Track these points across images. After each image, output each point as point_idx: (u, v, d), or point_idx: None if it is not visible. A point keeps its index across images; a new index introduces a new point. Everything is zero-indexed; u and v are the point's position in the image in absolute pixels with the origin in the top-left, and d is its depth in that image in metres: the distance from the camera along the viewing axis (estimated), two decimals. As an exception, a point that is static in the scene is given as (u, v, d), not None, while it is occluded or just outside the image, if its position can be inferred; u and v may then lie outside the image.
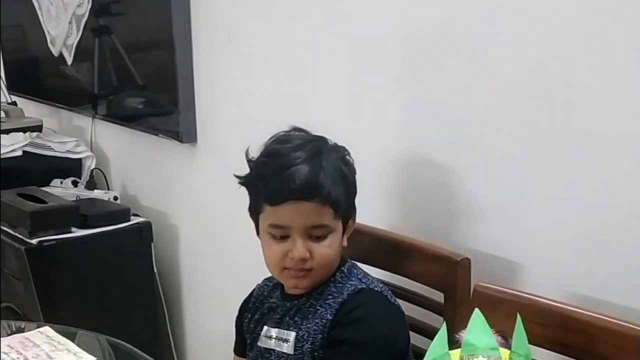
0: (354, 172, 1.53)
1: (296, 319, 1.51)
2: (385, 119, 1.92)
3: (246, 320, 1.64)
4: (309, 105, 2.13)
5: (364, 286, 1.50)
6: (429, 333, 1.69)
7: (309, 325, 1.48)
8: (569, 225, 1.57)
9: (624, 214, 1.48)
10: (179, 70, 2.51)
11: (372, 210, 1.92)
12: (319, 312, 1.48)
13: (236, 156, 2.43)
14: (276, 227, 1.45)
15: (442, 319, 1.65)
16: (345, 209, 1.48)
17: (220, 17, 2.39)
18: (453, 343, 1.17)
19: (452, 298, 1.62)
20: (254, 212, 1.52)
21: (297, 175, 1.41)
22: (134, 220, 2.68)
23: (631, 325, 1.30)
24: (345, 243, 1.53)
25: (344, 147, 1.54)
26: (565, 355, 1.39)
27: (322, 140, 1.52)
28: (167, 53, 2.55)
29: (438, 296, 1.67)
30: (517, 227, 1.66)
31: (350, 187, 1.50)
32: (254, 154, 1.54)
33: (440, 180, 1.80)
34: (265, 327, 1.56)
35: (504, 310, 1.45)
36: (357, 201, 1.89)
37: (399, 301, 1.74)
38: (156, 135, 2.70)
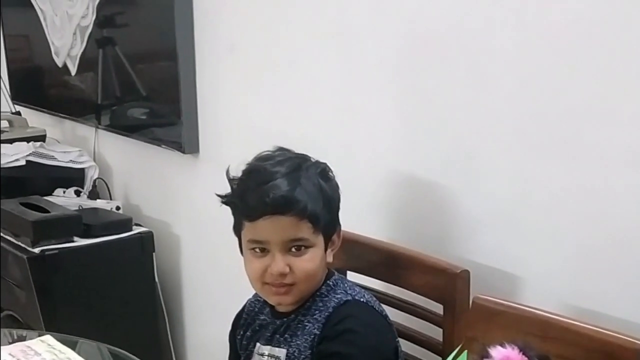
0: (336, 188, 1.54)
1: (286, 336, 1.51)
2: (384, 131, 1.93)
3: (239, 337, 1.65)
4: (309, 117, 2.15)
5: (350, 298, 1.50)
6: (428, 345, 1.70)
7: (298, 342, 1.48)
8: (568, 238, 1.57)
9: (622, 226, 1.48)
10: (181, 82, 2.52)
11: (371, 222, 1.93)
12: (307, 327, 1.49)
13: (238, 167, 2.44)
14: (255, 243, 1.47)
15: (441, 330, 1.66)
16: (325, 223, 1.48)
17: (223, 29, 2.40)
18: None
19: (451, 310, 1.62)
20: (237, 230, 1.54)
21: (272, 190, 1.43)
22: (136, 230, 2.69)
23: (629, 339, 1.30)
24: (330, 259, 1.54)
25: (325, 164, 1.55)
26: (563, 367, 1.40)
27: (302, 157, 1.53)
28: (170, 64, 2.56)
29: (437, 308, 1.67)
30: (516, 239, 1.67)
31: (330, 202, 1.50)
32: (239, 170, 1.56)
33: (439, 192, 1.81)
34: (258, 345, 1.57)
35: (502, 323, 1.46)
36: (355, 213, 1.89)
37: (398, 312, 1.75)
38: (159, 145, 2.71)
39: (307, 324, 1.49)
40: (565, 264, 1.58)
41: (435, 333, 1.68)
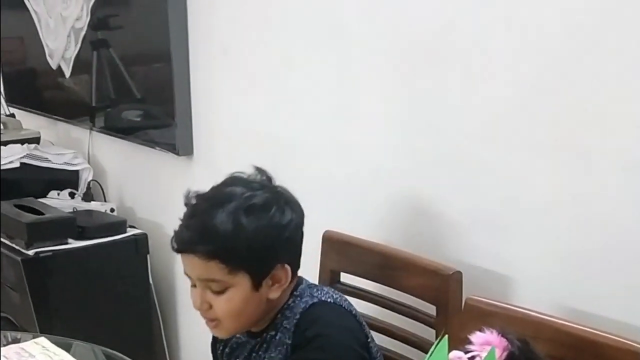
0: (273, 224, 1.41)
1: (260, 353, 1.50)
2: (377, 133, 1.94)
3: (219, 351, 1.63)
4: (303, 118, 2.15)
5: (316, 300, 1.46)
6: (420, 345, 1.71)
7: (272, 355, 1.47)
8: (560, 239, 1.58)
9: (614, 227, 1.49)
10: (175, 84, 2.53)
11: (364, 224, 1.94)
12: (279, 339, 1.47)
13: (232, 169, 2.44)
14: (185, 274, 1.45)
15: (434, 331, 1.66)
16: (244, 262, 1.39)
17: (217, 31, 2.40)
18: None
19: (444, 311, 1.63)
20: None
21: (181, 229, 1.42)
22: (130, 232, 2.69)
23: (621, 339, 1.31)
24: (275, 295, 1.44)
25: (272, 201, 1.43)
26: (555, 368, 1.41)
27: (232, 192, 1.43)
28: (164, 66, 2.56)
29: (430, 309, 1.68)
30: (508, 241, 1.67)
31: (255, 241, 1.39)
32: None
33: (432, 193, 1.82)
34: None
35: (495, 323, 1.46)
36: (348, 214, 1.90)
37: (391, 314, 1.76)
38: (153, 147, 2.72)
39: (278, 334, 1.47)
40: (557, 265, 1.59)
41: (428, 334, 1.69)
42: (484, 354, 1.06)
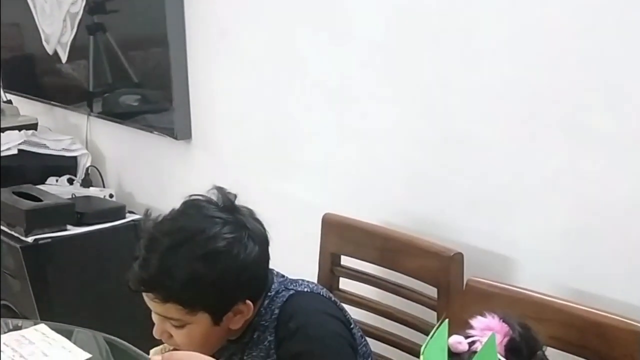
0: (231, 266, 1.35)
1: (240, 355, 1.48)
2: (378, 115, 1.92)
3: None
4: (303, 101, 2.14)
5: (292, 291, 1.44)
6: (421, 327, 1.70)
7: (253, 355, 1.45)
8: (561, 220, 1.57)
9: (616, 208, 1.48)
10: (173, 68, 2.51)
11: (364, 205, 1.93)
12: (257, 337, 1.45)
13: (230, 152, 2.44)
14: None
15: (435, 313, 1.66)
16: (203, 304, 1.35)
17: (214, 14, 2.39)
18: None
19: (445, 293, 1.63)
20: None
21: (137, 269, 1.36)
22: (130, 217, 2.68)
23: (623, 319, 1.30)
24: (237, 325, 1.41)
25: (235, 241, 1.36)
26: (557, 349, 1.40)
27: (194, 230, 1.36)
28: (161, 50, 2.55)
29: (431, 291, 1.67)
30: (509, 222, 1.67)
31: (214, 285, 1.34)
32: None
33: (432, 175, 1.81)
34: None
35: (496, 305, 1.45)
36: (349, 196, 1.90)
37: (392, 296, 1.75)
38: (151, 132, 2.71)
39: (257, 333, 1.45)
40: (558, 246, 1.59)
41: (429, 316, 1.68)
42: (484, 339, 1.05)
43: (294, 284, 1.47)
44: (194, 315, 1.36)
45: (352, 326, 1.48)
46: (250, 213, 1.43)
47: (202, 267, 1.33)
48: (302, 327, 1.39)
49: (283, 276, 1.49)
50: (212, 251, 1.34)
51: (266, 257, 1.42)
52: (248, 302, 1.40)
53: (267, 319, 1.43)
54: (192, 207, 1.41)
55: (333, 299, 1.51)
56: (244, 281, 1.38)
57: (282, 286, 1.45)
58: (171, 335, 1.40)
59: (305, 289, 1.46)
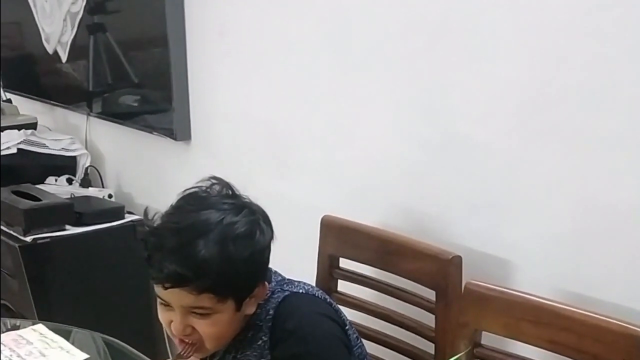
0: (255, 246, 1.38)
1: (233, 353, 1.48)
2: (378, 117, 1.92)
3: None
4: (302, 102, 2.14)
5: (287, 293, 1.45)
6: (419, 331, 1.70)
7: (246, 353, 1.45)
8: (560, 223, 1.57)
9: (617, 212, 1.48)
10: (173, 68, 2.51)
11: (364, 208, 1.93)
12: (252, 336, 1.45)
13: (230, 153, 2.44)
14: (160, 298, 1.41)
15: (433, 316, 1.66)
16: (234, 290, 1.37)
17: (214, 14, 2.39)
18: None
19: (443, 296, 1.62)
20: None
21: (165, 265, 1.34)
22: (128, 217, 2.68)
23: (621, 323, 1.30)
24: (252, 310, 1.42)
25: (253, 225, 1.38)
26: (555, 352, 1.40)
27: (205, 220, 1.36)
28: (161, 50, 2.55)
29: (429, 294, 1.67)
30: (508, 225, 1.67)
31: (240, 268, 1.36)
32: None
33: (431, 178, 1.81)
34: None
35: (495, 308, 1.46)
36: (347, 199, 1.89)
37: (390, 299, 1.75)
38: (150, 132, 2.71)
39: (251, 332, 1.45)
40: (557, 249, 1.58)
41: (428, 319, 1.68)
42: None
43: (290, 285, 1.47)
44: (224, 303, 1.37)
45: (347, 327, 1.49)
46: (255, 203, 1.44)
47: (232, 253, 1.34)
48: (297, 328, 1.39)
49: (280, 275, 1.50)
50: (237, 236, 1.36)
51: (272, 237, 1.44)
52: (265, 283, 1.43)
53: (262, 318, 1.43)
54: (195, 198, 1.42)
55: (328, 300, 1.51)
56: (266, 261, 1.42)
57: (278, 287, 1.46)
58: (193, 330, 1.39)
59: (301, 290, 1.47)
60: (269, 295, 1.45)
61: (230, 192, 1.43)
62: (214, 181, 1.44)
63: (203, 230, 1.35)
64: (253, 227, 1.38)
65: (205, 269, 1.33)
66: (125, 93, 2.92)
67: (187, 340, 1.40)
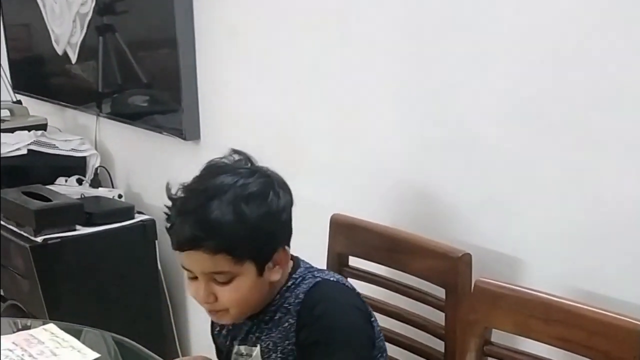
0: (271, 208, 1.41)
1: (257, 334, 1.49)
2: (386, 115, 1.92)
3: (216, 332, 1.63)
4: (311, 102, 2.14)
5: (319, 279, 1.47)
6: (429, 329, 1.70)
7: (272, 335, 1.46)
8: (570, 221, 1.57)
9: (626, 209, 1.48)
10: (182, 68, 2.52)
11: (373, 207, 1.93)
12: (279, 319, 1.46)
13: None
14: (184, 268, 1.44)
15: (443, 314, 1.66)
16: (251, 251, 1.40)
17: (223, 14, 2.39)
18: None
19: (453, 294, 1.62)
20: None
21: (181, 227, 1.38)
22: (138, 217, 2.69)
23: (632, 320, 1.30)
24: (276, 277, 1.44)
25: (267, 187, 1.42)
26: (566, 350, 1.40)
27: (221, 184, 1.40)
28: (170, 51, 2.56)
29: (439, 292, 1.67)
30: (518, 223, 1.66)
31: (257, 229, 1.39)
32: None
33: (440, 176, 1.81)
34: (235, 346, 1.55)
35: (504, 306, 1.46)
36: (357, 197, 1.89)
37: (400, 297, 1.75)
38: (160, 133, 2.71)
39: (278, 314, 1.46)
40: (567, 247, 1.58)
41: (438, 317, 1.68)
42: None
43: (320, 272, 1.50)
44: (241, 265, 1.39)
45: (373, 319, 1.50)
46: (274, 171, 1.49)
47: (245, 211, 1.37)
48: (324, 315, 1.41)
49: (308, 263, 1.53)
50: (250, 195, 1.39)
51: (292, 207, 1.47)
52: (286, 248, 1.45)
53: (291, 302, 1.45)
54: (213, 166, 1.47)
55: (356, 291, 1.52)
56: (280, 225, 1.44)
57: (309, 273, 1.49)
58: (216, 299, 1.42)
59: (332, 279, 1.49)
60: (298, 279, 1.47)
61: (249, 161, 1.48)
62: (235, 154, 1.48)
63: (217, 192, 1.39)
64: (266, 188, 1.42)
65: (217, 229, 1.36)
66: (134, 93, 2.92)
67: (214, 308, 1.43)
